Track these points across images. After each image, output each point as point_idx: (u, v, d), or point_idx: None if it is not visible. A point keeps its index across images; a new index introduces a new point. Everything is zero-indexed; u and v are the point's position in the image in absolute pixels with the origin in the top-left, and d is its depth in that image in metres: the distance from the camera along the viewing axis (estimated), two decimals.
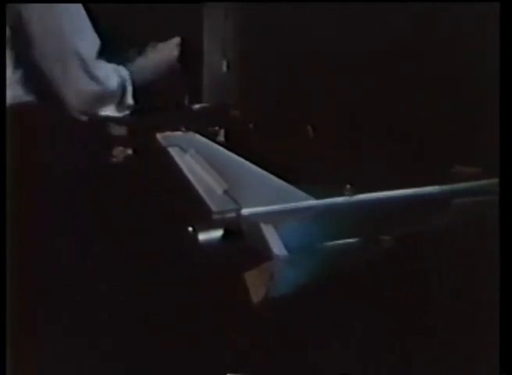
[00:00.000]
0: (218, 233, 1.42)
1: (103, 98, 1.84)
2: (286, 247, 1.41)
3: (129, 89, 1.98)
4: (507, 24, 1.38)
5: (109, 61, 1.98)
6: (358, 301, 1.38)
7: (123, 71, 1.98)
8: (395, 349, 1.39)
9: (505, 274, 1.26)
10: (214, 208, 1.45)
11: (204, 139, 1.67)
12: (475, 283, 1.44)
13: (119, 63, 2.00)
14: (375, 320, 1.39)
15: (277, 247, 1.40)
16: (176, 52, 2.00)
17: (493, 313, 1.24)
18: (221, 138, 2.20)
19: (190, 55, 2.55)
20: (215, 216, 1.44)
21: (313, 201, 1.54)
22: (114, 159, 1.65)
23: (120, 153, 1.69)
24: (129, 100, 1.92)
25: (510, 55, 1.36)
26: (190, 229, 1.41)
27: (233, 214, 1.47)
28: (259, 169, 1.58)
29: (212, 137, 1.84)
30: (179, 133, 1.72)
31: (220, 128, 2.24)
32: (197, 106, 2.42)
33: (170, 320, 1.36)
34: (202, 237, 1.41)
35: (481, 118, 1.80)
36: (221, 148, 1.63)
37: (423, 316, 1.41)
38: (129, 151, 1.69)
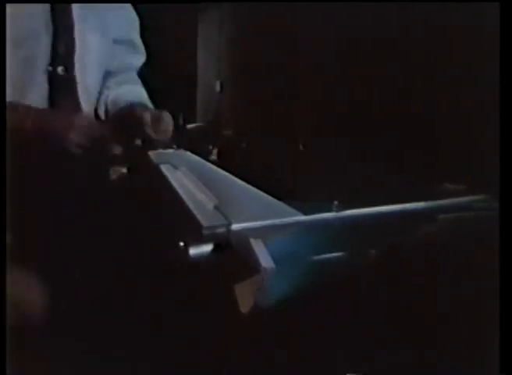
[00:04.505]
0: (208, 247, 1.45)
1: None
2: (275, 260, 1.43)
3: None
4: (507, 24, 1.36)
5: None
6: (344, 310, 1.41)
7: None
8: (392, 350, 1.41)
9: (504, 276, 1.28)
10: (204, 223, 1.48)
11: (194, 156, 1.71)
12: (472, 286, 1.45)
13: None
14: (363, 327, 1.41)
15: (265, 260, 1.43)
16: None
17: (493, 313, 1.25)
18: (213, 157, 2.25)
19: (184, 76, 2.60)
20: (205, 231, 1.47)
21: (301, 217, 1.56)
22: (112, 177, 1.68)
23: (116, 172, 1.72)
24: None
25: (511, 56, 1.35)
26: (182, 243, 1.43)
27: (223, 229, 1.49)
28: (249, 186, 1.61)
29: (205, 156, 1.88)
30: (170, 150, 1.76)
31: (213, 147, 2.28)
32: (191, 126, 2.47)
33: (160, 331, 1.38)
34: (193, 251, 1.43)
35: (480, 133, 1.82)
36: (211, 165, 1.67)
37: (419, 319, 1.43)
38: (124, 170, 1.72)
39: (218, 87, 2.58)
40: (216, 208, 1.51)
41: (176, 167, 1.67)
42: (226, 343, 1.38)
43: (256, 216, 1.53)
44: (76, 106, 1.86)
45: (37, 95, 1.77)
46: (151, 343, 1.36)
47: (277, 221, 1.54)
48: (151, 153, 1.70)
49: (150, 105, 2.08)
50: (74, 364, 1.32)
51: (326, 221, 1.55)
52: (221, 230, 1.49)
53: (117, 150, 1.64)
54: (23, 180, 1.41)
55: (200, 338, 1.39)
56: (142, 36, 2.24)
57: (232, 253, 1.47)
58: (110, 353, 1.32)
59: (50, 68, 1.78)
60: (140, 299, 1.38)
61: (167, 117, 1.87)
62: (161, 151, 1.74)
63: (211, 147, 2.28)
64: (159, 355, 1.34)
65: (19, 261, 1.31)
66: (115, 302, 1.34)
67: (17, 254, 1.31)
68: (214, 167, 1.67)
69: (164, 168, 1.65)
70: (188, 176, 1.61)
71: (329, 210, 1.57)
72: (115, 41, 2.04)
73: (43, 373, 1.32)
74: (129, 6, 2.04)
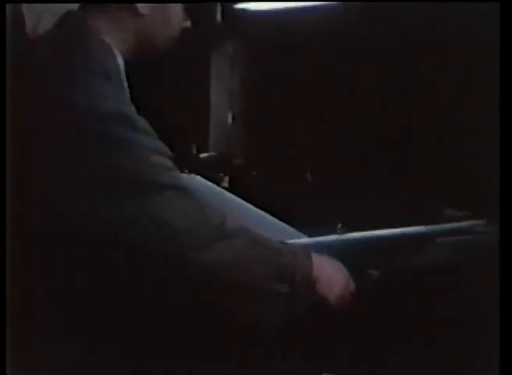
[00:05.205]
0: None
1: None
2: None
3: None
4: (507, 24, 1.35)
5: None
6: (346, 326, 1.47)
7: None
8: (393, 352, 1.45)
9: (504, 281, 1.29)
10: None
11: (204, 180, 1.78)
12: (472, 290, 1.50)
13: None
14: (364, 334, 1.46)
15: None
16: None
17: (493, 314, 1.27)
18: (225, 184, 2.33)
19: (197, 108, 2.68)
20: None
21: (307, 239, 1.64)
22: None
23: None
24: None
25: (511, 56, 1.34)
26: None
27: None
28: (257, 210, 1.69)
29: (217, 183, 1.96)
30: (183, 175, 1.84)
31: (225, 175, 2.37)
32: (204, 155, 2.56)
33: (162, 333, 1.38)
34: None
35: (481, 159, 1.85)
36: (221, 189, 1.75)
37: (419, 320, 1.47)
38: None
39: (230, 119, 2.67)
40: None
41: None
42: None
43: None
44: None
45: None
46: (151, 344, 1.38)
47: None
48: None
49: None
50: (74, 364, 1.34)
51: (329, 243, 1.62)
52: None
53: None
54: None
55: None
56: (159, 71, 2.34)
57: None
58: (110, 353, 1.34)
59: None
60: (142, 301, 1.36)
61: None
62: None
63: (222, 175, 2.37)
64: (159, 356, 1.37)
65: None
66: (115, 303, 1.35)
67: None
68: (224, 191, 1.74)
69: None
70: None
71: (333, 232, 1.64)
72: None
73: (43, 373, 1.35)
74: None
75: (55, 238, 1.32)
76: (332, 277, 1.46)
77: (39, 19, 1.69)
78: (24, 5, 1.66)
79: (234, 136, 2.60)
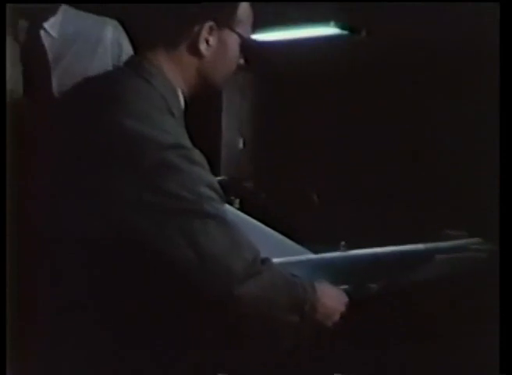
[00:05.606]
0: None
1: None
2: None
3: None
4: (507, 24, 1.36)
5: None
6: (346, 335, 1.56)
7: None
8: (395, 350, 1.50)
9: (503, 289, 1.33)
10: None
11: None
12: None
13: None
14: (364, 342, 1.53)
15: None
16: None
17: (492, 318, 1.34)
18: (236, 206, 2.43)
19: (210, 135, 2.77)
20: None
21: (312, 256, 1.73)
22: None
23: None
24: None
25: (511, 57, 1.35)
26: None
27: None
28: (267, 228, 1.79)
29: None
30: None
31: (235, 198, 2.46)
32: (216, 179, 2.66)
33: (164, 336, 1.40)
34: None
35: (479, 177, 1.90)
36: (231, 208, 1.84)
37: (419, 322, 1.52)
38: None
39: (240, 144, 2.76)
40: None
41: None
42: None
43: (272, 254, 1.67)
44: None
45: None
46: (153, 345, 1.40)
47: (290, 258, 1.69)
48: None
49: None
50: (74, 364, 1.36)
51: (333, 259, 1.71)
52: None
53: None
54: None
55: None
56: None
57: None
58: (110, 355, 1.37)
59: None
60: (148, 306, 1.38)
61: None
62: None
63: (233, 197, 2.46)
64: (158, 358, 1.40)
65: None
66: (115, 304, 1.38)
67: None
68: (235, 210, 1.83)
69: None
70: None
71: (337, 250, 1.73)
72: None
73: (43, 373, 1.37)
74: None
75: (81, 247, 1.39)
76: (332, 300, 1.57)
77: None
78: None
79: (244, 160, 2.69)
